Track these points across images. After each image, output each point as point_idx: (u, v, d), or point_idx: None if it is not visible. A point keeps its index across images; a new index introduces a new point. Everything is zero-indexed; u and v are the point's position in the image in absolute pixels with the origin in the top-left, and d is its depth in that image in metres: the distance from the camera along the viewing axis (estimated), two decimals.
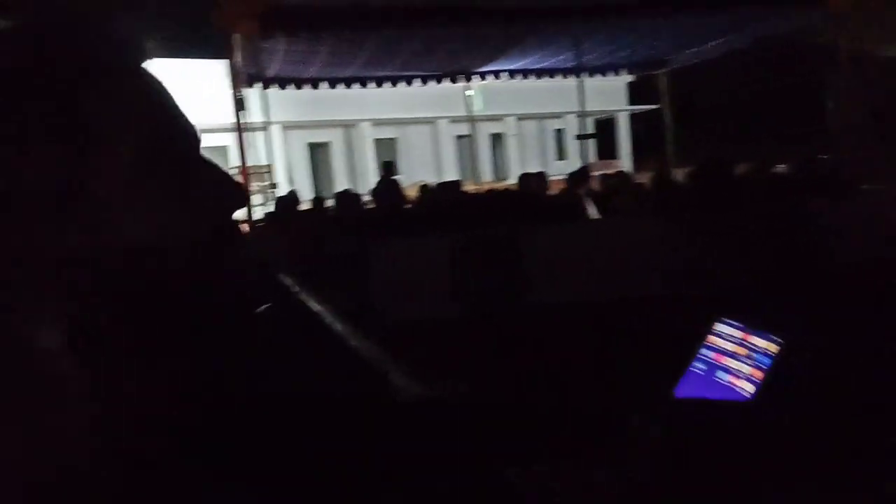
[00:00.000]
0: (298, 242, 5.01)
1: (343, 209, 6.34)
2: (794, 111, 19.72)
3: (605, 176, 8.18)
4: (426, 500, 0.63)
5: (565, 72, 12.92)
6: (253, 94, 9.94)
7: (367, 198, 7.87)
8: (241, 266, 0.54)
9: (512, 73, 12.97)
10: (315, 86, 11.98)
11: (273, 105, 13.57)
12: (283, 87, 11.69)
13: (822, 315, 3.49)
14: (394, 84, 12.49)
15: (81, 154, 0.46)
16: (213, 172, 0.53)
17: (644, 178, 8.65)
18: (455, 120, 21.47)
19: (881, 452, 0.66)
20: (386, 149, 21.98)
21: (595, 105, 21.67)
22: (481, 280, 5.23)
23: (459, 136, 22.67)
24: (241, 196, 0.55)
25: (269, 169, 9.14)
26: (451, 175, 19.17)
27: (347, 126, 21.57)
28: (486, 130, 23.14)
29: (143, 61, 0.52)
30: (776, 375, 0.70)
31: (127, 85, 0.50)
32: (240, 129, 8.22)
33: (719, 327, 0.76)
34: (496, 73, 12.92)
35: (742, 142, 20.18)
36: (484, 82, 13.80)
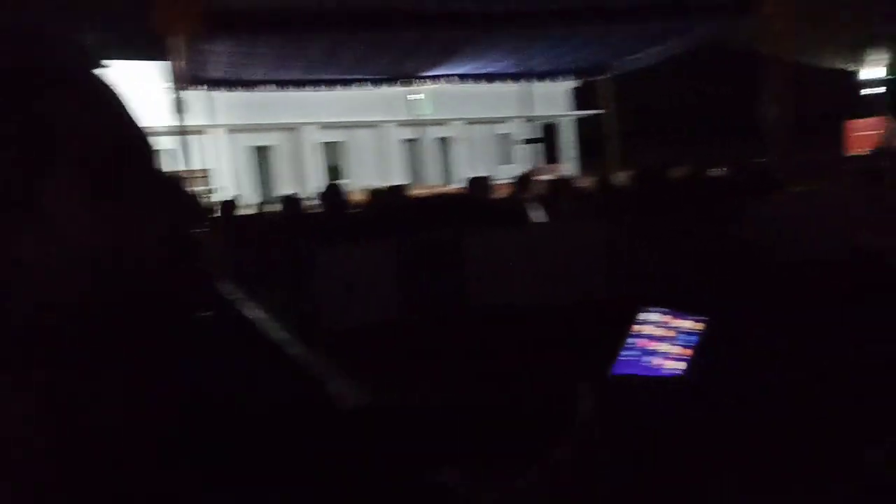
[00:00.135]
0: (240, 248, 4.92)
1: (288, 213, 6.26)
2: (730, 116, 20.45)
3: (550, 180, 8.31)
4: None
5: (511, 77, 13.09)
6: (195, 97, 9.71)
7: (313, 202, 7.79)
8: (189, 277, 0.53)
9: (459, 78, 13.06)
10: (259, 88, 11.80)
11: (216, 108, 13.30)
12: (226, 89, 11.48)
13: (742, 302, 3.63)
14: (339, 87, 12.41)
15: (31, 162, 0.45)
16: (168, 186, 0.52)
17: (588, 182, 8.83)
18: (402, 123, 21.46)
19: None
20: (332, 152, 21.79)
21: (540, 110, 22.02)
22: (428, 284, 5.24)
23: (406, 140, 22.67)
24: (195, 214, 0.54)
25: (205, 174, 8.93)
26: (398, 179, 19.14)
27: (293, 129, 21.28)
28: (433, 134, 23.20)
29: (93, 66, 0.51)
30: (705, 350, 0.72)
31: (77, 91, 0.48)
32: (180, 131, 8.02)
33: (643, 315, 0.78)
34: (443, 78, 12.99)
35: (682, 145, 20.79)
36: (431, 86, 13.85)
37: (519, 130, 23.74)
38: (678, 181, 7.06)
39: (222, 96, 13.68)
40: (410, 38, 9.72)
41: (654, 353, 0.75)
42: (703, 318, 0.75)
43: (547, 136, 24.19)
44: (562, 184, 7.54)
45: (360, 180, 19.61)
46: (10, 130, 0.44)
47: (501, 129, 24.62)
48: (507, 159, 24.16)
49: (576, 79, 16.38)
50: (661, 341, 0.75)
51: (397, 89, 13.41)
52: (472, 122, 23.63)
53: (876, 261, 5.47)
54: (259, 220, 6.73)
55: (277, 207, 6.85)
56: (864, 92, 14.78)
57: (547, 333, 4.18)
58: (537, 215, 6.36)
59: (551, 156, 24.11)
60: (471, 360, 3.79)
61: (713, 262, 5.86)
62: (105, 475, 0.46)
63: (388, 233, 5.50)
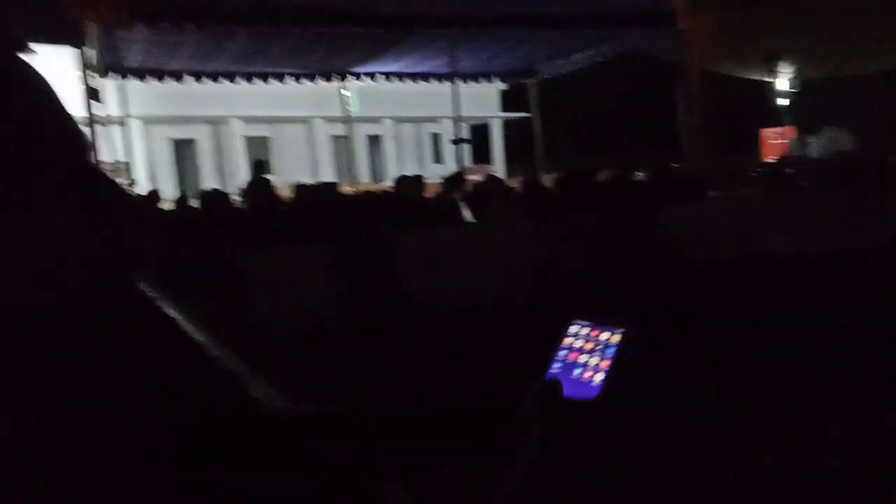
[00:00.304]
0: (158, 245, 4.70)
1: (209, 210, 6.03)
2: (652, 122, 21.23)
3: (479, 180, 8.38)
4: None
5: (441, 77, 13.14)
6: (110, 86, 9.25)
7: (236, 198, 7.56)
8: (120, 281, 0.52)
9: (388, 76, 13.00)
10: (179, 79, 11.38)
11: (133, 98, 12.72)
12: (143, 79, 11.01)
13: (660, 308, 3.77)
14: (266, 81, 12.13)
15: None
16: (104, 185, 0.49)
17: (516, 183, 8.96)
18: (331, 120, 21.16)
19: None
20: (258, 147, 21.25)
21: (470, 111, 22.20)
22: (355, 285, 5.17)
23: (335, 137, 22.38)
24: (135, 216, 0.51)
25: (126, 166, 8.54)
26: (326, 176, 18.87)
27: (216, 123, 20.63)
28: (362, 132, 23.00)
29: (18, 50, 0.47)
30: (619, 361, 0.78)
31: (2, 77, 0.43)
32: (92, 121, 7.60)
33: (572, 328, 0.83)
34: (372, 75, 12.90)
35: (605, 150, 21.43)
36: (360, 83, 13.72)
37: (449, 130, 23.89)
38: (602, 184, 7.25)
39: (140, 86, 13.08)
40: (339, 34, 9.59)
41: (578, 365, 0.79)
42: (621, 329, 0.80)
43: (476, 137, 24.43)
44: (491, 184, 7.60)
45: (287, 177, 19.21)
46: None
47: (432, 128, 24.68)
48: (437, 159, 24.24)
49: (504, 81, 16.62)
50: (586, 353, 0.80)
51: (326, 85, 13.20)
52: (401, 120, 23.57)
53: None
54: (178, 215, 6.46)
55: (198, 203, 6.60)
56: (775, 102, 15.66)
57: (477, 333, 4.20)
58: (466, 215, 6.39)
59: (481, 157, 24.35)
60: (400, 362, 3.76)
61: (633, 264, 6.05)
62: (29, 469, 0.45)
63: (316, 231, 5.40)
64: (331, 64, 11.80)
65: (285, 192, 8.58)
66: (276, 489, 0.61)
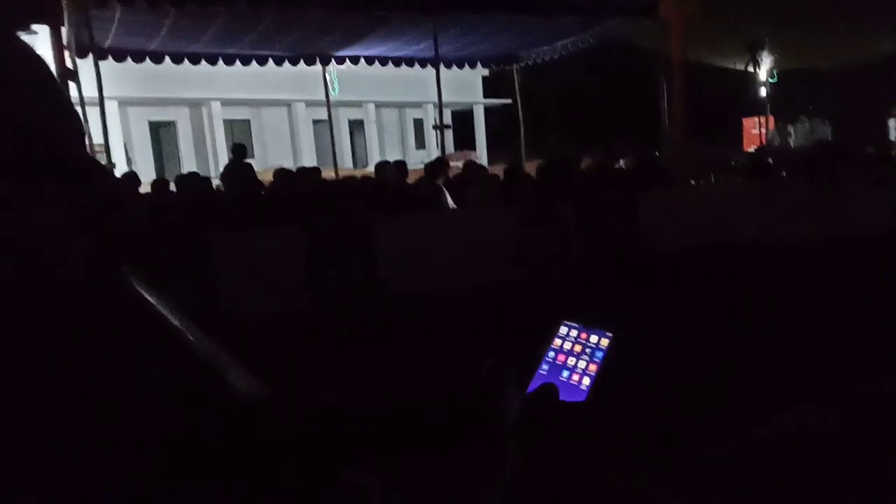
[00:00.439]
0: (139, 232, 4.64)
1: (188, 193, 5.97)
2: (633, 110, 21.30)
3: (461, 166, 8.36)
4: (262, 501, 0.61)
5: (423, 62, 13.03)
6: (85, 66, 9.07)
7: (216, 182, 7.48)
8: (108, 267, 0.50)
9: (370, 60, 12.88)
10: (157, 60, 11.17)
11: (109, 79, 12.44)
12: (120, 59, 10.79)
13: (646, 310, 3.81)
14: (246, 63, 11.95)
15: None
16: (98, 176, 0.47)
17: (498, 169, 8.97)
18: (312, 104, 20.94)
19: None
20: (238, 130, 21.00)
21: (453, 96, 22.09)
22: (336, 270, 5.15)
23: (317, 121, 22.18)
24: (128, 211, 0.50)
25: (102, 149, 8.39)
26: (307, 160, 18.70)
27: (195, 105, 20.33)
28: (345, 116, 22.80)
29: (18, 27, 0.44)
30: (607, 366, 0.78)
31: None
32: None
33: (562, 330, 0.83)
34: (354, 59, 12.76)
35: (588, 137, 21.48)
36: (342, 67, 13.56)
37: (431, 116, 23.76)
38: (582, 172, 7.28)
39: (118, 67, 12.81)
40: (320, 16, 9.47)
41: (567, 367, 0.80)
42: (609, 333, 0.81)
43: (458, 124, 24.34)
44: (474, 171, 7.60)
45: (268, 161, 19.00)
46: None
47: (414, 113, 24.54)
48: (419, 144, 24.14)
49: (487, 67, 16.52)
50: (574, 356, 0.81)
51: (307, 68, 13.03)
52: (384, 105, 23.41)
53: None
54: (155, 199, 6.38)
55: (176, 187, 6.51)
56: (758, 92, 15.78)
57: (456, 318, 4.21)
58: (448, 201, 6.38)
59: (463, 143, 24.29)
60: (380, 348, 3.76)
61: (612, 249, 6.09)
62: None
63: (296, 216, 5.36)
64: (312, 46, 11.65)
65: (266, 176, 8.50)
66: (255, 478, 0.60)
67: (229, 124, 20.89)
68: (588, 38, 12.22)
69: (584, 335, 0.82)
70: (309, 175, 6.98)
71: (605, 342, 0.81)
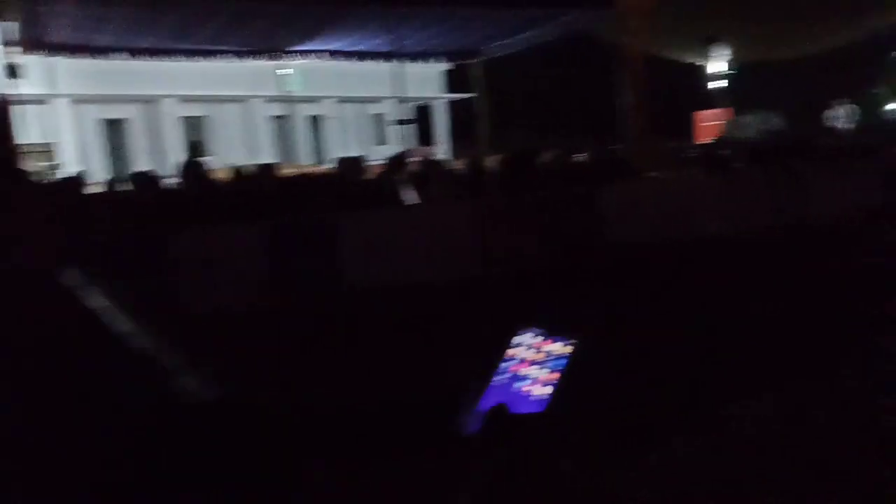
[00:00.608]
0: (86, 229, 4.50)
1: (141, 192, 5.81)
2: (593, 103, 21.52)
3: (422, 162, 8.32)
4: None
5: (383, 56, 12.96)
6: (33, 63, 8.76)
7: (171, 180, 7.30)
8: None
9: (329, 54, 12.76)
10: (110, 55, 10.88)
11: (59, 75, 12.09)
12: (71, 55, 10.48)
13: (608, 314, 3.83)
14: (202, 58, 11.72)
15: None
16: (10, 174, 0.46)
17: (459, 164, 8.96)
18: (270, 99, 20.64)
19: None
20: (194, 128, 20.57)
21: (414, 91, 22.02)
22: (296, 268, 5.07)
23: (275, 117, 21.85)
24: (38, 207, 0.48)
25: (49, 148, 8.13)
26: (266, 157, 18.42)
27: (149, 102, 19.84)
28: (304, 112, 22.52)
29: None
30: (569, 374, 0.76)
31: None
32: (13, 100, 7.19)
33: (520, 338, 0.81)
34: (313, 53, 12.63)
35: (546, 131, 21.62)
36: (300, 62, 13.40)
37: (392, 111, 23.64)
38: (544, 166, 7.32)
39: (67, 63, 12.39)
40: (277, 10, 9.33)
41: (524, 377, 0.77)
42: (572, 341, 0.79)
43: (420, 118, 24.28)
44: (434, 166, 7.57)
45: (225, 158, 18.65)
46: None
47: (374, 108, 24.38)
48: (380, 140, 23.99)
49: (448, 61, 16.53)
50: (532, 365, 0.78)
51: (265, 63, 12.84)
52: (344, 100, 23.18)
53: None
54: (109, 198, 6.20)
55: (130, 185, 6.34)
56: (711, 85, 16.09)
57: (419, 314, 4.18)
58: (409, 197, 6.34)
59: (424, 137, 24.23)
60: (343, 348, 3.72)
61: (571, 243, 6.14)
62: None
63: (254, 214, 5.26)
64: (270, 41, 11.48)
65: (222, 174, 8.34)
66: (217, 478, 0.61)
67: (185, 121, 20.46)
68: (549, 31, 12.31)
69: (544, 343, 0.80)
70: (266, 172, 6.87)
71: (567, 349, 0.78)
